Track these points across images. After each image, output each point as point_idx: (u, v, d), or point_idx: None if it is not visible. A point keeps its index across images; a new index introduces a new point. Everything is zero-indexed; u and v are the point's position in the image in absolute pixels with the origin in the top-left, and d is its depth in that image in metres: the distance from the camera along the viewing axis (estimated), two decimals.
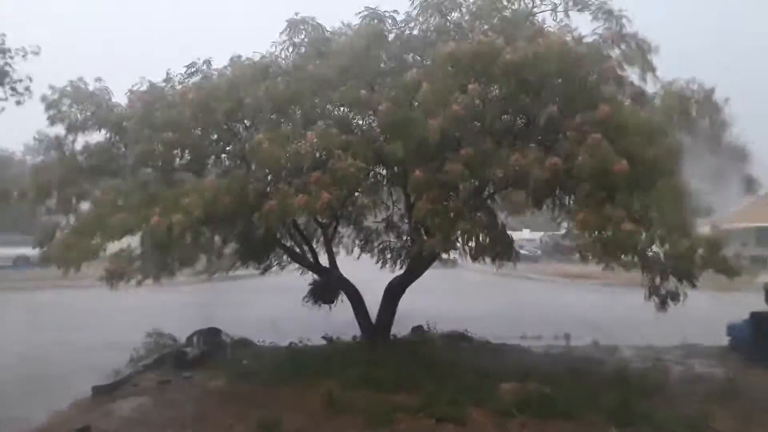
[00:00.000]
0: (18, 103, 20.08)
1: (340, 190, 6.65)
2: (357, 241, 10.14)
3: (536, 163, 6.37)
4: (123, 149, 8.25)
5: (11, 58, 19.73)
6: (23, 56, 19.82)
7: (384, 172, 7.89)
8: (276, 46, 8.29)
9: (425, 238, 7.19)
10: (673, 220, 6.37)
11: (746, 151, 7.70)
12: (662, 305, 7.36)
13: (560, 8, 7.80)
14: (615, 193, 6.57)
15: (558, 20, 7.82)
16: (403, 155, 6.67)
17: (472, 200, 7.30)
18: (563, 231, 8.74)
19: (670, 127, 7.09)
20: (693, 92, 7.51)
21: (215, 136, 8.04)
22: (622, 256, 6.58)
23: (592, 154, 6.24)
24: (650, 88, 7.69)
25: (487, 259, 7.75)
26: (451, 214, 6.91)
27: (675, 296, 7.32)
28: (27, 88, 20.10)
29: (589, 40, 7.54)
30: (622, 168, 6.16)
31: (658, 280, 7.34)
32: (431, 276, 9.28)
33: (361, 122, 8.00)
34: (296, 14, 8.25)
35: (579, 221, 6.48)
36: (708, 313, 7.97)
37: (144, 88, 8.17)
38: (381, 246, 9.98)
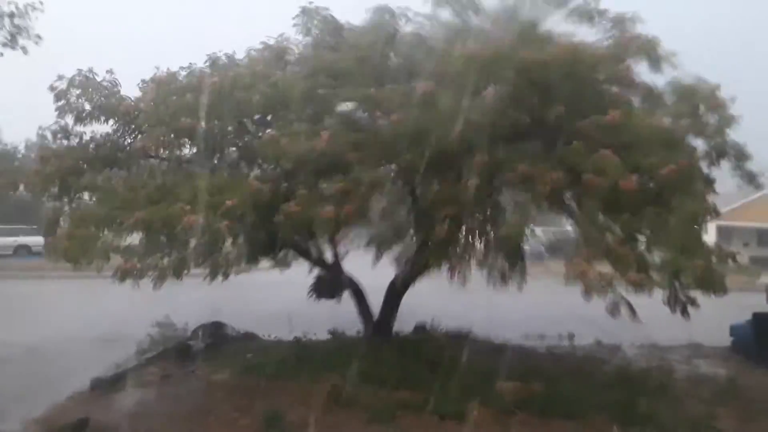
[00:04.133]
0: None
1: (362, 200, 6.59)
2: (364, 244, 10.09)
3: (540, 177, 6.30)
4: (130, 140, 8.22)
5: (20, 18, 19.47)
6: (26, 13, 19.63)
7: (393, 170, 7.83)
8: (290, 33, 8.36)
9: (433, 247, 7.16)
10: (683, 241, 6.26)
11: (746, 151, 7.73)
12: (684, 313, 7.27)
13: (577, 16, 7.70)
14: (622, 211, 6.48)
15: (572, 25, 7.75)
16: (419, 163, 6.61)
17: (481, 202, 7.27)
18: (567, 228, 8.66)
19: (681, 132, 7.01)
20: (700, 87, 7.45)
21: (227, 128, 7.98)
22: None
23: (601, 170, 6.09)
24: (660, 82, 7.66)
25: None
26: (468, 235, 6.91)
27: (694, 302, 7.26)
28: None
29: (603, 43, 7.49)
30: (630, 185, 5.98)
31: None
32: (435, 274, 9.23)
33: (370, 120, 7.95)
34: (310, 2, 8.28)
35: (578, 272, 6.17)
36: (711, 313, 7.94)
37: (157, 76, 8.16)
38: (385, 243, 9.94)
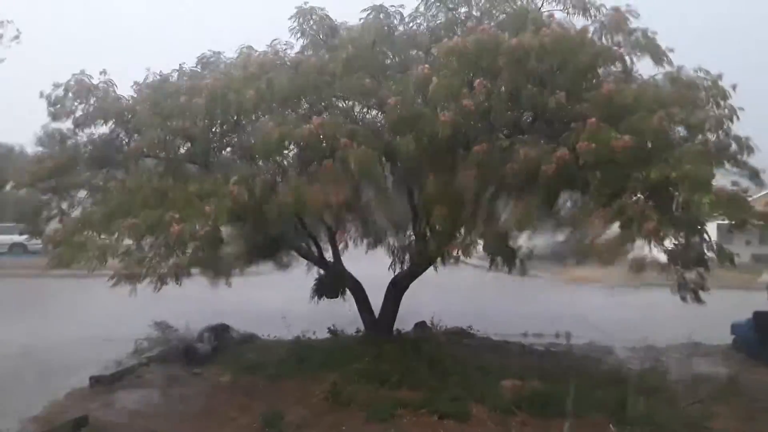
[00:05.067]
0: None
1: (351, 180, 6.52)
2: (362, 238, 10.04)
3: (545, 156, 6.25)
4: (126, 140, 8.17)
5: None
6: None
7: (389, 166, 7.78)
8: (286, 34, 8.28)
9: (433, 239, 7.12)
10: (696, 179, 6.08)
11: (750, 144, 7.56)
12: (696, 297, 7.16)
13: (569, 8, 7.67)
14: (627, 173, 6.38)
15: (566, 16, 7.71)
16: (414, 149, 6.56)
17: (482, 201, 7.24)
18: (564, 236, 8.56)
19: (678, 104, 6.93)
20: (701, 78, 7.41)
21: (223, 127, 7.95)
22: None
23: (592, 138, 6.09)
24: (658, 76, 7.58)
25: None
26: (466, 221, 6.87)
27: (702, 286, 7.17)
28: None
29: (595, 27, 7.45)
30: (625, 144, 5.96)
31: (683, 275, 7.16)
32: (435, 272, 9.23)
33: (366, 114, 7.93)
34: (305, 3, 8.22)
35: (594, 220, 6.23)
36: (712, 311, 7.92)
37: (150, 80, 8.15)
38: (385, 242, 9.90)
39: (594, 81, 6.90)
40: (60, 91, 7.98)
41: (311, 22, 8.27)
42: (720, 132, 7.47)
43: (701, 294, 7.54)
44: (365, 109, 7.89)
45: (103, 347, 9.45)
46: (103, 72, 8.17)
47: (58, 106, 7.98)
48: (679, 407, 7.11)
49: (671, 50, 7.31)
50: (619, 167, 6.28)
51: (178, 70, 8.37)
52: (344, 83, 7.29)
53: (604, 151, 6.06)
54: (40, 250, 9.06)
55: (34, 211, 8.21)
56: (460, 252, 6.92)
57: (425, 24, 8.23)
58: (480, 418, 6.63)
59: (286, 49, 8.21)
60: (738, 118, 7.39)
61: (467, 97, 6.40)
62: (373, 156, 6.64)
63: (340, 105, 7.89)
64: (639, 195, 6.41)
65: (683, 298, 7.25)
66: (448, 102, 6.40)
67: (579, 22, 7.60)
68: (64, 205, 8.15)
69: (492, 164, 6.53)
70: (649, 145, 6.29)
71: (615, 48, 7.13)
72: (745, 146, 7.56)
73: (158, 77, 8.21)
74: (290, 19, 8.23)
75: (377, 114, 7.79)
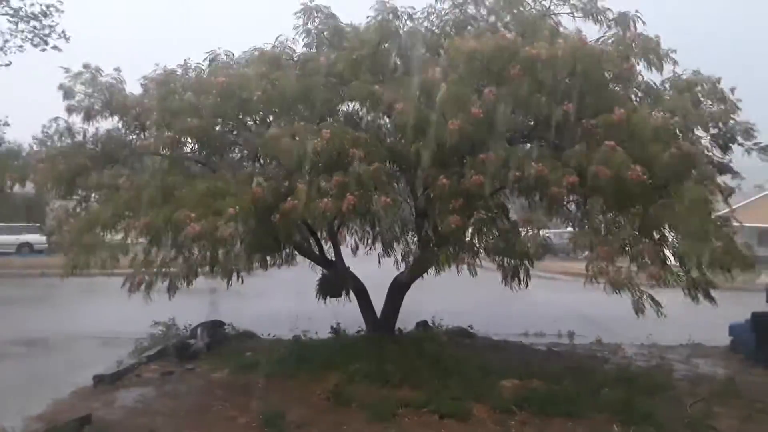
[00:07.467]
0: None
1: (362, 192, 6.46)
2: (365, 238, 10.06)
3: (555, 179, 6.24)
4: (134, 137, 8.18)
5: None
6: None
7: (396, 169, 7.80)
8: (289, 33, 8.31)
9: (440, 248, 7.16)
10: (695, 227, 6.21)
11: (754, 129, 7.80)
12: (707, 297, 7.27)
13: (578, 13, 7.71)
14: (631, 203, 6.48)
15: (574, 21, 7.76)
16: (426, 158, 6.55)
17: (489, 202, 7.31)
18: (567, 230, 8.64)
19: (682, 124, 7.01)
20: (701, 81, 7.54)
21: (229, 126, 7.97)
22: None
23: (607, 162, 6.07)
24: (659, 78, 7.72)
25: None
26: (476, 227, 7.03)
27: (713, 285, 7.27)
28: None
29: (608, 41, 7.50)
30: (637, 175, 5.94)
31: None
32: (436, 271, 9.25)
33: (371, 118, 7.95)
34: (310, 1, 8.21)
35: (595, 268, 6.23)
36: (710, 312, 7.95)
37: (157, 73, 8.12)
38: (389, 242, 9.95)
39: (604, 97, 6.93)
40: (71, 81, 7.89)
41: (316, 21, 8.26)
42: (723, 124, 7.68)
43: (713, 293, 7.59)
44: (371, 113, 7.91)
45: (106, 345, 9.54)
46: (117, 69, 8.20)
47: (74, 101, 7.90)
48: (682, 407, 7.15)
49: (674, 51, 7.39)
50: (625, 197, 6.37)
51: (182, 65, 8.34)
52: (352, 89, 7.27)
53: (617, 178, 6.06)
54: (46, 249, 9.10)
55: (62, 217, 8.21)
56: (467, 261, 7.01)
57: (433, 23, 8.25)
58: (481, 417, 6.67)
59: (291, 45, 8.21)
60: (739, 109, 7.57)
61: (476, 104, 6.38)
62: (384, 170, 6.66)
63: (344, 108, 7.92)
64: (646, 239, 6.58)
65: (694, 299, 7.39)
66: (457, 110, 6.35)
67: (583, 26, 7.66)
68: (81, 208, 8.18)
69: (497, 172, 6.55)
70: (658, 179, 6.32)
71: (629, 67, 7.14)
72: (751, 132, 7.80)
73: (163, 72, 8.17)
74: (295, 15, 8.20)
75: (382, 117, 7.79)
